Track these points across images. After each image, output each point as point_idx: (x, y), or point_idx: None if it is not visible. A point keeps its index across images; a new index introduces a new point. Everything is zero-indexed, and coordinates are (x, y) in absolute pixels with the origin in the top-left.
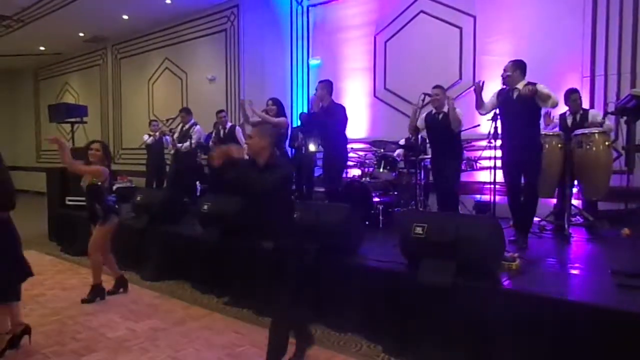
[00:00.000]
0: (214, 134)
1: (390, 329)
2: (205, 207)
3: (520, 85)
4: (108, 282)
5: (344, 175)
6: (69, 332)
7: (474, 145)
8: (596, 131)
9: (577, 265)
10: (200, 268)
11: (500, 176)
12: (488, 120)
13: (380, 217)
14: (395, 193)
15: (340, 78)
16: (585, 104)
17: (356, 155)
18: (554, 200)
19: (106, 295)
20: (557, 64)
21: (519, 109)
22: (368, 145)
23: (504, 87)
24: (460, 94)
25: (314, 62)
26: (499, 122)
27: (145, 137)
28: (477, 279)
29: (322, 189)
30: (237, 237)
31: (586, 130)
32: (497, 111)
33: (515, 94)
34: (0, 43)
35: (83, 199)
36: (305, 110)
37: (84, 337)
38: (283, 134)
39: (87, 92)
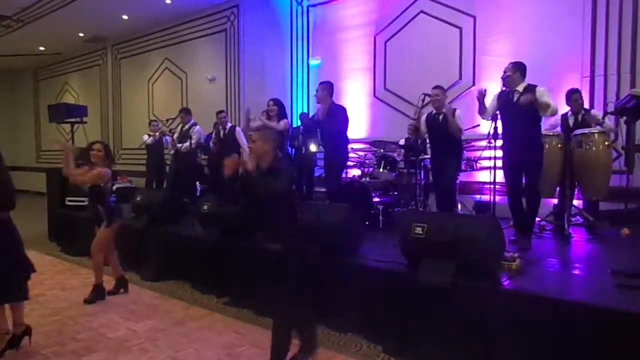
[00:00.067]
0: (214, 135)
1: (390, 329)
2: (205, 207)
3: (520, 88)
4: (109, 283)
5: (344, 175)
6: (69, 333)
7: (473, 145)
8: (596, 131)
9: (577, 265)
10: (200, 268)
11: (500, 176)
12: (488, 120)
13: (380, 217)
14: (395, 193)
15: (340, 78)
16: (585, 104)
17: (356, 156)
18: (554, 200)
19: (106, 296)
20: (556, 64)
21: (520, 110)
22: (368, 145)
23: (504, 88)
24: (460, 94)
25: (314, 62)
26: (499, 122)
27: (145, 137)
28: (477, 279)
29: (322, 189)
30: (237, 237)
31: (586, 130)
32: (497, 111)
33: (515, 97)
34: (0, 43)
35: (83, 199)
36: (306, 110)
37: (84, 337)
38: (284, 135)
39: (87, 92)
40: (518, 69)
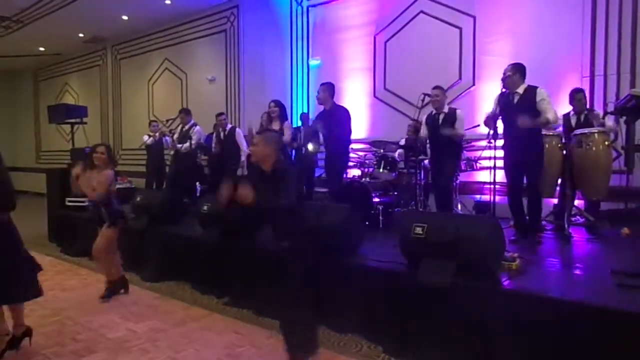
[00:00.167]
0: (214, 137)
1: (390, 329)
2: (205, 207)
3: (520, 89)
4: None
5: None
6: (69, 333)
7: (473, 145)
8: (595, 131)
9: (577, 265)
10: (200, 269)
11: (500, 176)
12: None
13: (380, 217)
14: (395, 193)
15: (340, 78)
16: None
17: (356, 156)
18: (554, 200)
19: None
20: (556, 64)
21: (520, 112)
22: (368, 146)
23: (504, 90)
24: (460, 94)
25: (313, 62)
26: (499, 122)
27: (145, 137)
28: (477, 279)
29: (322, 190)
30: (237, 237)
31: (585, 130)
32: (497, 111)
33: (515, 98)
34: (0, 44)
35: (83, 199)
36: (306, 110)
37: (83, 337)
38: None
39: (86, 93)
40: (518, 70)
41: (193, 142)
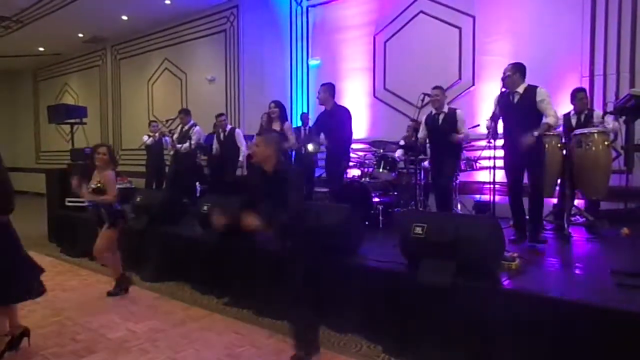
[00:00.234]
0: (215, 138)
1: (390, 329)
2: (205, 207)
3: (520, 89)
4: (109, 284)
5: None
6: (69, 333)
7: (473, 145)
8: (595, 131)
9: (577, 264)
10: (200, 269)
11: (500, 176)
12: (487, 119)
13: (380, 217)
14: (395, 193)
15: (339, 78)
16: None
17: (356, 156)
18: (554, 200)
19: (106, 296)
20: (556, 64)
21: (520, 111)
22: (368, 146)
23: (504, 90)
24: (460, 94)
25: (313, 62)
26: (499, 122)
27: (145, 138)
28: (477, 279)
29: (322, 190)
30: (237, 237)
31: (585, 130)
32: (497, 111)
33: (515, 98)
34: (0, 44)
35: (83, 200)
36: (306, 110)
37: (83, 338)
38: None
39: (86, 93)
40: (518, 69)
41: (193, 142)
